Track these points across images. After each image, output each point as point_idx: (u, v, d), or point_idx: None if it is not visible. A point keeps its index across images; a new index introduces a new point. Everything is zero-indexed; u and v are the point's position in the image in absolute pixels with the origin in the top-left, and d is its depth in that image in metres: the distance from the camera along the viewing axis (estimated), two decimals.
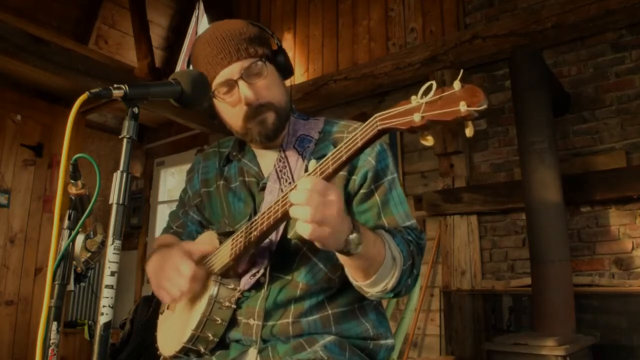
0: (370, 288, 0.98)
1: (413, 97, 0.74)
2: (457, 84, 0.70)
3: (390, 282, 0.97)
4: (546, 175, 2.67)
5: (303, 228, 0.82)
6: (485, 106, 0.68)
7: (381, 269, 0.94)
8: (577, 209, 2.93)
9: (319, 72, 4.33)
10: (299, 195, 0.82)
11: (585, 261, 2.87)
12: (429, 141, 0.75)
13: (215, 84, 1.09)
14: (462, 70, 0.79)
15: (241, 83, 1.07)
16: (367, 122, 0.81)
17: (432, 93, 0.72)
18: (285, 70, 1.18)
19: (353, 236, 0.87)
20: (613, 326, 2.64)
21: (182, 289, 1.01)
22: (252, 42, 1.11)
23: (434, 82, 0.73)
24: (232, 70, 1.08)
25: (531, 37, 3.14)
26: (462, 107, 0.68)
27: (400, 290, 1.01)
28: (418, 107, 0.73)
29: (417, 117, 0.72)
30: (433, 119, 0.71)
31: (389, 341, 1.16)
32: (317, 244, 0.85)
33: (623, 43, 2.98)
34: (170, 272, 1.03)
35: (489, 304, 3.12)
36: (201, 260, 1.09)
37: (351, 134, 1.17)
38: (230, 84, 1.08)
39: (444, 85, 0.73)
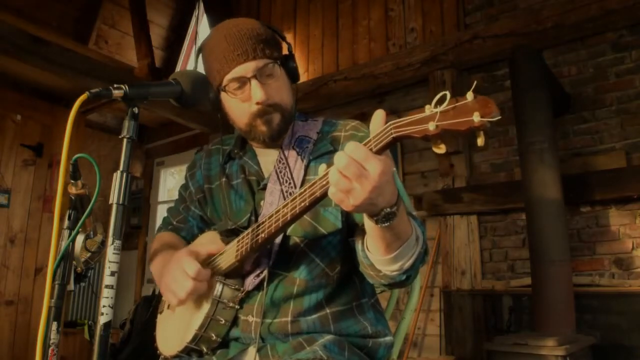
0: (388, 265, 0.93)
1: (427, 107, 0.75)
2: (470, 95, 0.72)
3: (408, 262, 0.93)
4: (546, 175, 2.67)
5: (331, 191, 0.81)
6: (498, 117, 0.70)
7: (405, 245, 0.90)
8: (577, 209, 2.93)
9: (319, 72, 4.34)
10: (341, 159, 0.78)
11: (585, 261, 2.87)
12: (441, 149, 0.76)
13: (227, 78, 1.11)
14: (475, 82, 0.80)
15: (254, 82, 1.09)
16: (381, 129, 0.79)
17: (446, 103, 0.73)
18: (294, 75, 1.20)
19: (387, 210, 0.83)
20: (613, 326, 2.64)
21: (187, 290, 1.01)
22: (268, 43, 1.13)
23: (447, 92, 0.74)
24: (247, 68, 1.09)
25: (531, 37, 3.14)
26: (476, 118, 0.70)
27: (410, 275, 0.98)
28: (432, 116, 0.73)
29: (431, 126, 0.73)
30: (447, 128, 0.72)
31: (388, 339, 1.17)
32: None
33: (623, 43, 2.98)
34: (176, 272, 1.04)
35: (489, 304, 3.12)
36: (206, 261, 1.09)
37: (349, 132, 1.19)
38: (243, 81, 1.10)
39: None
